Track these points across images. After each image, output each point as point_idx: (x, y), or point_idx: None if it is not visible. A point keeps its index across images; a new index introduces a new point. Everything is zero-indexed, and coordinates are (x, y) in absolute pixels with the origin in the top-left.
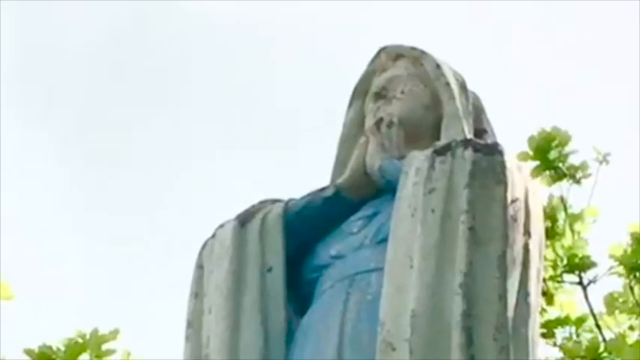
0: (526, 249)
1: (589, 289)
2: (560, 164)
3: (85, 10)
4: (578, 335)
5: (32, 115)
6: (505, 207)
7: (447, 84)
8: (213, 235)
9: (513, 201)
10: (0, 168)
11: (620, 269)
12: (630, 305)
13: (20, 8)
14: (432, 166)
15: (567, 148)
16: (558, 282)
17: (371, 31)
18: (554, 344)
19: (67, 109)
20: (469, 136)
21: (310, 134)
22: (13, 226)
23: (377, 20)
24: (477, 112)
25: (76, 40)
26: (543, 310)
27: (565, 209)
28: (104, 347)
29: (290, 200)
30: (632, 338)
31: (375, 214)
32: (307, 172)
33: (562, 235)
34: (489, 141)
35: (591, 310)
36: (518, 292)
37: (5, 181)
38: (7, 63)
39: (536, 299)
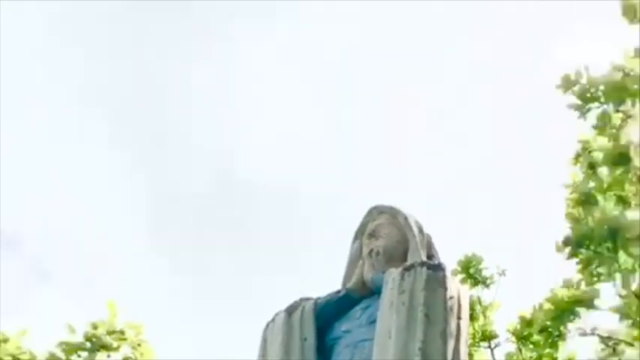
0: (458, 327)
1: (495, 350)
2: (477, 276)
3: None
4: None
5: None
6: (446, 301)
7: (411, 229)
8: (273, 319)
9: (451, 298)
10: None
11: (513, 338)
12: None
13: None
14: (402, 278)
15: (480, 266)
16: (476, 347)
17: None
18: None
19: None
20: (424, 259)
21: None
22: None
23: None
24: (429, 245)
25: None
26: None
27: (480, 303)
28: None
29: (318, 298)
30: None
31: (369, 306)
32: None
33: (478, 318)
34: (437, 262)
35: None
36: (454, 353)
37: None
38: None
39: (465, 358)
